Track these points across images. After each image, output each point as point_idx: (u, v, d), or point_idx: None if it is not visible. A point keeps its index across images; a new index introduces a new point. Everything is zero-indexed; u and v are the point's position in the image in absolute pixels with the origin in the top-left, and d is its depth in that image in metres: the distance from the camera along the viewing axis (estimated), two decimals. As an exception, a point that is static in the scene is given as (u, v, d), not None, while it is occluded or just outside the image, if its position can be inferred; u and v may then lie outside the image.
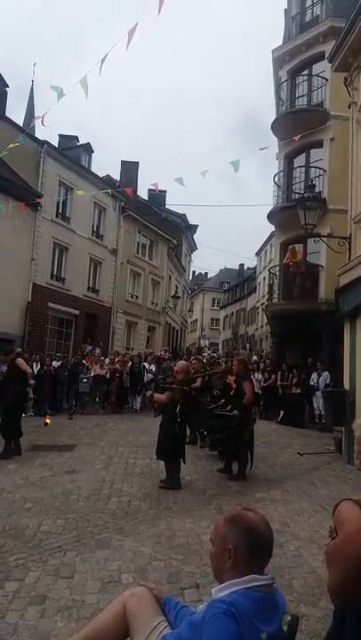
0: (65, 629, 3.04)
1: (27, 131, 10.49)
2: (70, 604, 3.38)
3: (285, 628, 1.64)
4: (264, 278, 31.21)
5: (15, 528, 4.77)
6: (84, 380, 14.51)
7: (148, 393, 8.89)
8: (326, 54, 14.22)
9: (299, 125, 14.24)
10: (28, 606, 3.34)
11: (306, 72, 17.00)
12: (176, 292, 32.04)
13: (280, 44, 18.04)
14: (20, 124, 22.76)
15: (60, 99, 7.69)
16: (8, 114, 19.25)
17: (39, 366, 13.82)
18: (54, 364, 14.48)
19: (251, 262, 46.96)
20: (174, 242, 29.82)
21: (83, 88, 7.25)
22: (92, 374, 14.94)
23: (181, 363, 8.25)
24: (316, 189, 13.00)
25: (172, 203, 52.72)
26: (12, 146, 9.94)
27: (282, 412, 13.59)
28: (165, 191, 32.96)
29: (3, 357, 9.13)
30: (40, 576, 3.79)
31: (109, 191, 20.02)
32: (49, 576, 3.79)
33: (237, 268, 57.39)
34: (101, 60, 6.87)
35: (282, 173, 17.29)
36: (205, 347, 39.27)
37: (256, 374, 14.24)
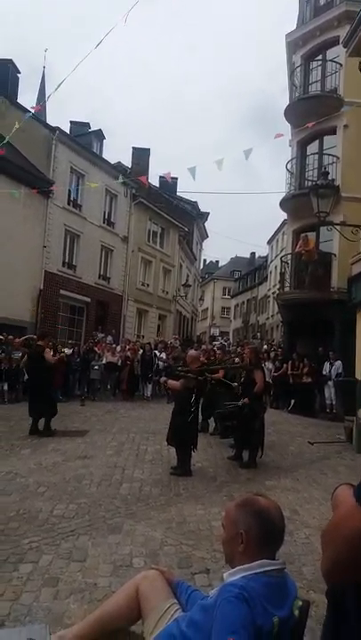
0: (78, 611, 3.10)
1: (32, 112, 10.39)
2: (83, 587, 3.44)
3: (297, 612, 1.66)
4: (276, 267, 31.02)
5: (29, 512, 4.85)
6: (96, 368, 14.62)
7: (163, 379, 8.93)
8: (341, 39, 13.99)
9: (312, 112, 14.06)
10: (41, 588, 3.41)
11: (320, 57, 16.74)
12: (187, 281, 31.97)
13: (294, 28, 17.76)
14: (32, 110, 22.72)
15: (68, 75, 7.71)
16: (20, 100, 19.23)
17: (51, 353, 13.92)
18: (66, 351, 14.58)
19: (262, 251, 46.74)
20: (185, 229, 29.69)
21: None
22: (103, 361, 15.04)
23: (192, 352, 8.27)
24: (330, 177, 12.85)
25: (184, 190, 52.43)
26: (17, 126, 9.85)
27: (293, 401, 13.61)
28: (177, 178, 32.74)
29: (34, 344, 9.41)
30: (53, 559, 3.85)
31: (123, 179, 19.95)
32: (62, 559, 3.86)
33: (249, 256, 57.07)
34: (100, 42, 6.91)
35: (295, 160, 17.11)
36: (217, 336, 39.26)
37: (267, 363, 14.24)
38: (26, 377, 12.35)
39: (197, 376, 7.00)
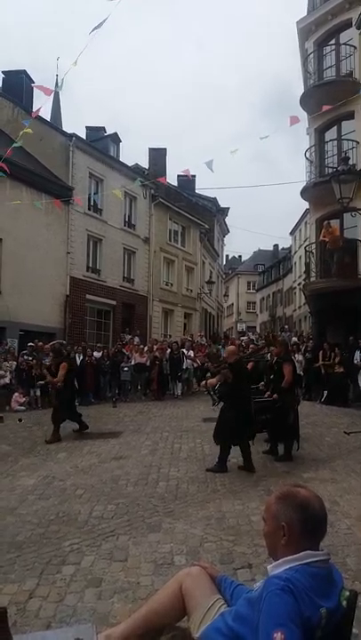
0: (122, 610, 3.11)
1: (35, 114, 10.50)
2: (126, 586, 3.45)
3: (344, 603, 1.63)
4: (300, 257, 30.68)
5: (68, 514, 4.90)
6: (125, 369, 14.71)
7: (203, 382, 8.98)
8: (354, 21, 13.74)
9: (329, 98, 13.80)
10: (85, 589, 3.43)
11: (333, 41, 16.45)
12: (210, 278, 31.89)
13: (305, 14, 17.51)
14: (48, 118, 23.06)
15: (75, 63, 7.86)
16: (35, 109, 19.46)
17: (81, 357, 14.10)
18: (95, 354, 14.72)
19: (285, 242, 46.29)
20: (206, 226, 29.61)
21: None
22: (132, 362, 15.12)
23: (230, 347, 8.26)
24: (350, 162, 12.61)
25: (202, 187, 52.29)
26: (25, 131, 9.96)
27: (325, 392, 13.40)
28: (195, 176, 32.68)
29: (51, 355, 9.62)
30: (95, 560, 3.88)
31: (141, 182, 20.00)
32: (103, 560, 3.88)
33: (271, 249, 56.56)
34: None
35: (313, 148, 16.87)
36: (246, 331, 39.05)
37: (297, 355, 14.07)
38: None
39: (232, 369, 6.94)
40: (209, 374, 7.65)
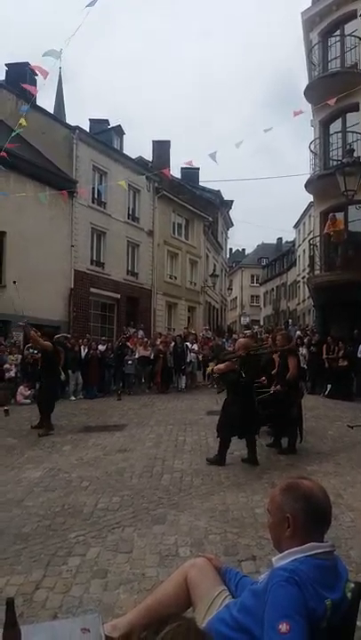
0: (128, 601, 3.13)
1: (32, 101, 10.49)
2: (131, 578, 3.48)
3: (349, 595, 1.64)
4: (304, 251, 30.59)
5: (73, 506, 4.93)
6: (130, 362, 14.76)
7: (210, 368, 8.98)
8: (359, 12, 13.60)
9: (333, 89, 13.67)
10: (91, 580, 3.46)
11: (338, 32, 16.31)
12: (214, 271, 31.85)
13: (309, 5, 17.36)
14: (51, 110, 22.98)
15: (56, 60, 7.80)
16: (38, 102, 19.43)
17: (86, 350, 14.15)
18: (100, 347, 14.76)
19: (289, 235, 46.15)
20: (210, 219, 29.54)
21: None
22: (136, 356, 15.16)
23: (241, 340, 8.24)
24: (355, 154, 12.53)
25: (206, 179, 52.05)
26: (22, 122, 9.89)
27: (329, 386, 13.41)
28: (198, 168, 32.55)
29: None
30: (100, 551, 3.91)
31: (146, 174, 19.94)
32: (109, 551, 3.91)
33: (275, 242, 56.41)
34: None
35: (318, 141, 16.79)
36: (251, 325, 39.03)
37: (301, 349, 14.06)
38: (63, 377, 12.60)
39: (240, 359, 6.94)
40: (213, 363, 7.62)
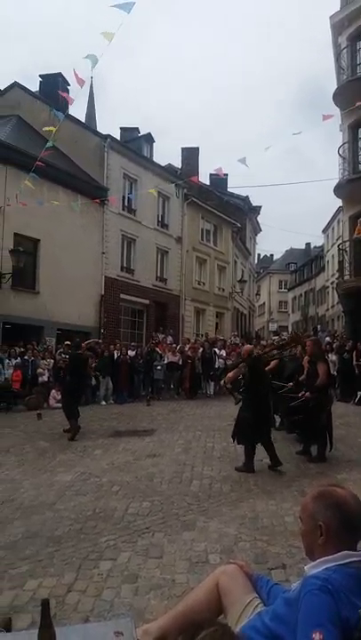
0: (158, 607, 3.15)
1: (67, 112, 10.83)
2: (162, 583, 3.51)
3: (382, 605, 1.63)
4: (333, 256, 30.22)
5: (104, 511, 5.00)
6: (159, 368, 14.84)
7: (222, 381, 9.01)
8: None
9: (363, 93, 13.59)
10: (121, 584, 3.50)
11: (368, 36, 16.17)
12: (242, 277, 31.73)
13: (338, 9, 17.26)
14: (82, 119, 23.37)
15: (93, 66, 7.95)
16: (70, 111, 19.78)
17: (118, 355, 14.33)
18: (130, 353, 14.90)
19: (318, 240, 45.63)
20: (238, 225, 29.50)
21: (106, 38, 7.48)
22: (165, 361, 15.22)
23: (246, 346, 8.32)
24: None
25: (234, 185, 51.96)
26: (47, 129, 10.12)
27: (359, 393, 13.18)
28: (227, 174, 32.58)
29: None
30: (131, 556, 3.95)
31: (175, 182, 20.07)
32: (139, 556, 3.95)
33: (304, 247, 55.83)
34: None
35: (347, 145, 16.62)
36: (277, 330, 38.67)
37: (331, 355, 13.88)
38: (94, 381, 12.84)
39: (246, 363, 6.96)
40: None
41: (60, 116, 10.99)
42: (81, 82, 8.95)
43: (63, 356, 13.34)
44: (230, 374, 7.16)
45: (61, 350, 13.89)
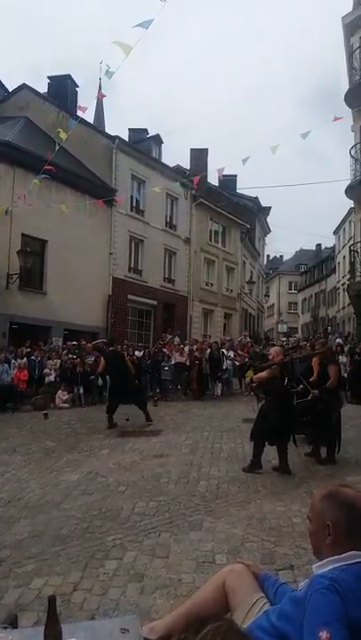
0: (164, 606, 3.13)
1: (78, 118, 10.93)
2: (168, 583, 3.48)
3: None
4: (344, 257, 30.06)
5: (111, 510, 4.98)
6: (166, 368, 14.81)
7: (248, 379, 8.93)
8: None
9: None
10: (127, 583, 3.48)
11: (379, 36, 16.08)
12: (251, 278, 31.67)
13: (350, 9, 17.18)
14: (91, 120, 23.45)
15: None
16: (79, 113, 19.86)
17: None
18: (137, 353, 14.89)
19: (328, 242, 45.42)
20: (247, 226, 29.43)
21: (124, 52, 7.47)
22: (172, 362, 15.19)
23: (275, 347, 8.20)
24: None
25: (243, 186, 51.92)
26: (62, 132, 10.21)
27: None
28: (236, 175, 32.49)
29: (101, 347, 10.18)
30: (137, 555, 3.93)
31: (182, 182, 20.06)
32: (145, 555, 3.93)
33: (314, 248, 55.58)
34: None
35: (358, 146, 16.52)
36: (289, 332, 38.55)
37: (341, 357, 13.78)
38: (100, 382, 12.84)
39: (282, 367, 6.88)
40: (250, 371, 7.59)
41: (71, 124, 11.06)
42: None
43: (70, 356, 13.39)
44: (263, 374, 7.04)
45: (66, 351, 13.97)
